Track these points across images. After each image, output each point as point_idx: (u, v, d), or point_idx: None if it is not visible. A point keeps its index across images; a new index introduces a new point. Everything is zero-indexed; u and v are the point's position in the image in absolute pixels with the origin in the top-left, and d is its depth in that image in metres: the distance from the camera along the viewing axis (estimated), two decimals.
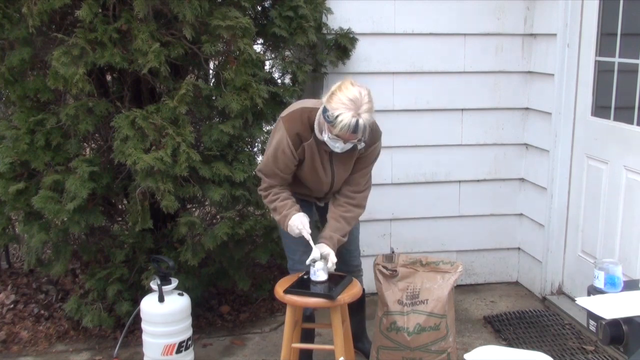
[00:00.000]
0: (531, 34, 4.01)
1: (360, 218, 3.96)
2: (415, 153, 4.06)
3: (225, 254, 3.54)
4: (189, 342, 3.16)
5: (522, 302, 4.11)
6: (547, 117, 3.90)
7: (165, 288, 3.07)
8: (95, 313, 3.46)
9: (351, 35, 3.76)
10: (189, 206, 3.92)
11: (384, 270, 3.07)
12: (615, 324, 2.14)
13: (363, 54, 3.85)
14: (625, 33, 3.42)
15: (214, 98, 3.32)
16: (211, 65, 3.69)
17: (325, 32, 3.74)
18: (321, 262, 2.83)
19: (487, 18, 3.96)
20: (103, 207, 3.56)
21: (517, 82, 4.08)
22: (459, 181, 4.18)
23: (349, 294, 2.82)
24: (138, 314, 3.16)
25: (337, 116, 2.58)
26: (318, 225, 3.25)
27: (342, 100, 2.59)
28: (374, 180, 4.02)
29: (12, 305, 3.89)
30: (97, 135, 3.59)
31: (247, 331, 3.75)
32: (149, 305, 3.09)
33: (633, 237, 3.36)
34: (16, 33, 3.05)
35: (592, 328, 2.22)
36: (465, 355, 2.31)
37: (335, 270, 3.11)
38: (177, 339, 3.09)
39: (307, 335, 3.17)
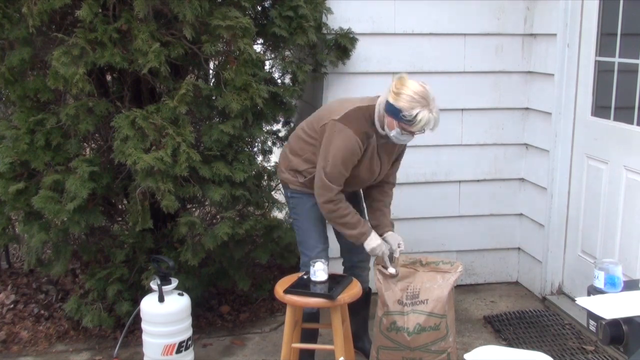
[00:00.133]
0: (531, 34, 4.01)
1: None
2: (415, 153, 4.05)
3: (226, 254, 3.54)
4: (189, 342, 3.16)
5: (522, 302, 4.11)
6: (547, 117, 3.90)
7: (165, 288, 3.07)
8: (95, 313, 3.46)
9: (351, 35, 3.76)
10: (189, 206, 3.92)
11: (384, 271, 3.07)
12: (615, 324, 2.14)
13: (363, 54, 3.85)
14: (625, 33, 3.42)
15: (214, 98, 3.32)
16: (211, 65, 3.69)
17: (325, 32, 3.74)
18: (321, 262, 2.83)
19: (487, 18, 3.96)
20: (103, 207, 3.56)
21: (517, 82, 4.08)
22: (459, 181, 4.18)
23: (349, 294, 2.82)
24: (138, 314, 3.16)
25: (415, 115, 2.70)
26: None
27: (414, 98, 2.71)
28: None
29: (12, 305, 3.89)
30: (97, 135, 3.59)
31: (247, 331, 3.75)
32: (149, 305, 3.09)
33: (633, 237, 3.36)
34: (16, 33, 3.05)
35: (592, 328, 2.22)
36: (465, 355, 2.31)
37: (346, 265, 3.17)
38: (177, 339, 3.09)
39: (311, 335, 3.17)
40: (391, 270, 3.00)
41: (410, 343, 2.98)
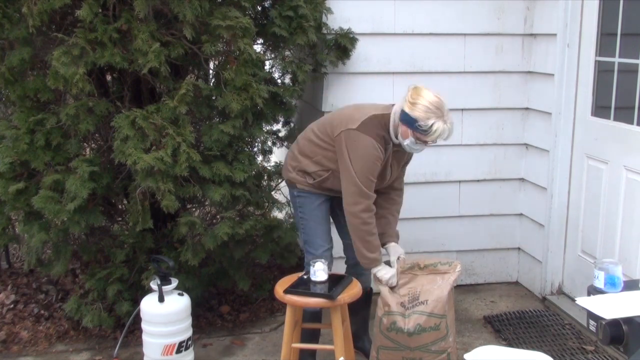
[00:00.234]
0: (531, 34, 4.01)
1: None
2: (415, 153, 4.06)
3: (226, 254, 3.54)
4: (189, 342, 3.16)
5: (522, 302, 4.11)
6: (547, 117, 3.90)
7: (165, 288, 3.07)
8: (95, 313, 3.46)
9: (351, 35, 3.76)
10: (189, 206, 3.92)
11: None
12: (615, 324, 2.14)
13: (363, 54, 3.85)
14: (625, 33, 3.42)
15: (214, 98, 3.32)
16: (211, 65, 3.69)
17: (325, 32, 3.74)
18: (321, 262, 2.83)
19: (487, 18, 3.96)
20: (103, 207, 3.56)
21: (517, 82, 4.08)
22: (459, 181, 4.18)
23: (349, 294, 2.82)
24: (138, 314, 3.16)
25: (431, 125, 2.74)
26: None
27: (430, 108, 2.75)
28: None
29: (12, 305, 3.89)
30: (97, 135, 3.59)
31: (247, 331, 3.75)
32: (149, 305, 3.09)
33: (633, 237, 3.36)
34: (16, 33, 3.05)
35: (592, 328, 2.22)
36: (465, 355, 2.31)
37: (349, 263, 3.18)
38: (177, 339, 3.09)
39: (313, 335, 3.18)
40: (392, 282, 3.02)
41: (410, 343, 2.98)
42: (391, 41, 3.89)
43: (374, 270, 2.99)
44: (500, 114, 4.12)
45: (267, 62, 3.74)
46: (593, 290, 2.37)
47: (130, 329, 3.50)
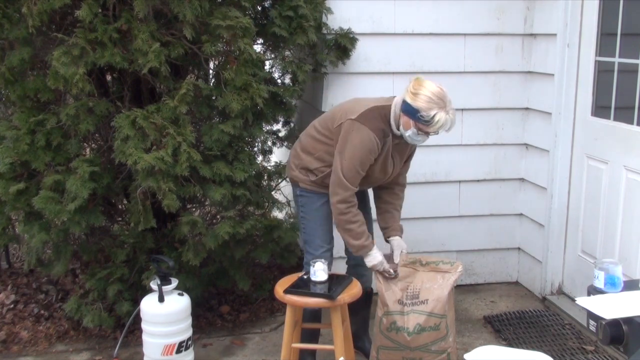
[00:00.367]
0: (531, 34, 4.01)
1: None
2: (415, 153, 4.05)
3: (226, 253, 3.54)
4: (189, 342, 3.16)
5: (522, 302, 4.11)
6: (547, 117, 3.90)
7: (165, 288, 3.07)
8: (95, 313, 3.46)
9: (351, 35, 3.76)
10: (189, 206, 3.92)
11: (385, 275, 3.07)
12: (615, 324, 2.14)
13: (363, 54, 3.85)
14: (625, 33, 3.42)
15: (214, 98, 3.32)
16: (211, 65, 3.69)
17: (325, 32, 3.74)
18: (321, 262, 2.83)
19: (487, 18, 3.96)
20: (103, 207, 3.56)
21: (517, 82, 4.08)
22: (459, 181, 4.18)
23: (349, 294, 2.82)
24: (138, 314, 3.16)
25: (433, 116, 2.73)
26: None
27: (432, 98, 2.74)
28: None
29: (12, 305, 3.89)
30: (97, 135, 3.59)
31: (247, 331, 3.75)
32: (149, 305, 3.09)
33: (633, 237, 3.36)
34: (16, 33, 3.05)
35: (592, 328, 2.22)
36: (465, 355, 2.31)
37: (350, 263, 3.17)
38: (177, 339, 3.09)
39: (312, 335, 3.18)
40: (391, 272, 3.01)
41: (410, 343, 2.98)
42: (391, 41, 3.89)
43: (365, 259, 2.99)
44: (500, 114, 4.12)
45: (267, 62, 3.74)
46: (593, 290, 2.37)
47: (130, 329, 3.50)
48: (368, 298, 3.29)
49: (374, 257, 2.96)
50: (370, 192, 3.29)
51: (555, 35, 3.75)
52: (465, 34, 3.96)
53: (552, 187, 3.90)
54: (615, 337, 2.14)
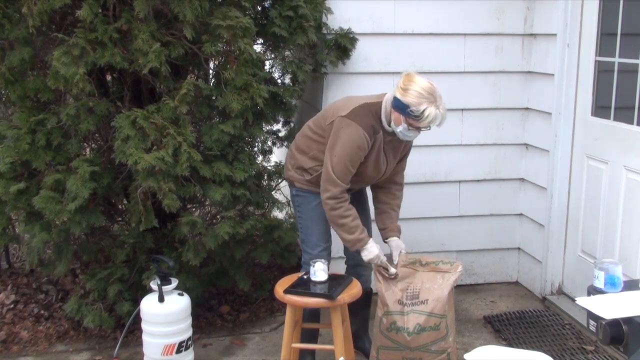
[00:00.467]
0: (531, 34, 4.01)
1: None
2: (415, 153, 4.02)
3: (226, 253, 3.54)
4: (189, 342, 3.16)
5: (522, 302, 4.11)
6: (547, 117, 3.90)
7: (165, 288, 3.07)
8: (95, 313, 3.46)
9: (351, 35, 3.76)
10: (189, 206, 3.92)
11: (384, 272, 3.07)
12: (615, 324, 2.14)
13: (363, 54, 3.85)
14: (625, 33, 3.43)
15: (214, 98, 3.32)
16: (211, 65, 3.69)
17: (325, 32, 3.74)
18: (321, 262, 2.83)
19: (487, 18, 3.96)
20: (103, 207, 3.56)
21: (517, 82, 4.08)
22: (459, 181, 4.18)
23: (349, 294, 2.82)
24: (138, 314, 3.16)
25: (423, 111, 2.72)
26: None
27: (421, 94, 2.74)
28: None
29: (12, 305, 3.89)
30: (97, 135, 3.59)
31: (247, 331, 3.75)
32: (149, 305, 3.09)
33: (633, 237, 3.36)
34: (16, 33, 3.05)
35: (592, 328, 2.22)
36: (465, 355, 2.31)
37: (349, 263, 3.16)
38: (177, 339, 3.09)
39: (311, 335, 3.18)
40: (392, 270, 3.01)
41: (410, 343, 2.98)
42: (391, 41, 3.89)
43: (362, 253, 2.98)
44: (500, 114, 4.12)
45: (267, 62, 3.75)
46: (593, 290, 2.37)
47: (130, 329, 3.50)
48: (368, 298, 3.29)
49: (370, 251, 2.95)
50: (369, 192, 3.29)
51: (555, 35, 3.75)
52: (465, 34, 3.96)
53: (552, 187, 3.91)
54: (615, 337, 2.14)
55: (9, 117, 3.47)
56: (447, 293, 3.00)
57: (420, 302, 3.00)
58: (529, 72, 4.06)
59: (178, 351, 3.09)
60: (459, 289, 4.19)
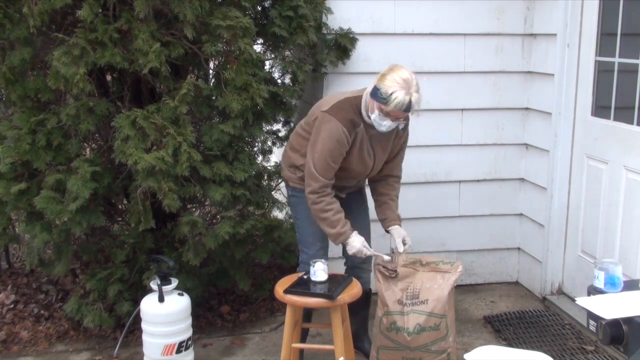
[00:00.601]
0: (531, 34, 4.01)
1: None
2: (415, 153, 4.05)
3: (226, 253, 3.54)
4: (189, 342, 3.16)
5: (522, 302, 4.11)
6: (547, 117, 3.90)
7: (165, 288, 3.07)
8: (96, 313, 3.46)
9: (351, 35, 3.76)
10: (189, 206, 3.92)
11: (384, 271, 3.07)
12: (615, 324, 2.14)
13: (363, 54, 3.85)
14: (625, 33, 3.43)
15: (214, 98, 3.32)
16: (211, 65, 3.69)
17: (325, 32, 3.74)
18: (321, 262, 2.84)
19: (487, 18, 3.96)
20: (103, 207, 3.56)
21: (517, 82, 4.08)
22: (459, 181, 4.18)
23: (349, 294, 2.82)
24: (138, 314, 3.16)
25: (391, 94, 2.71)
26: None
27: (396, 80, 2.73)
28: None
29: (12, 305, 3.89)
30: (97, 135, 3.59)
31: (247, 331, 3.75)
32: (149, 305, 3.09)
33: (633, 237, 3.36)
34: (17, 33, 3.05)
35: (592, 328, 2.22)
36: (465, 355, 2.31)
37: (348, 264, 3.17)
38: (177, 339, 3.09)
39: (302, 335, 3.17)
40: (385, 258, 2.98)
41: (410, 343, 2.98)
42: (391, 41, 3.89)
43: (347, 248, 2.96)
44: (500, 114, 4.12)
45: (267, 62, 3.75)
46: (593, 290, 2.37)
47: (130, 329, 3.50)
48: (367, 298, 3.29)
49: (353, 245, 2.93)
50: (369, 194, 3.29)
51: (555, 35, 3.75)
52: (465, 34, 3.96)
53: (552, 187, 3.91)
54: (615, 337, 2.14)
55: (9, 117, 3.47)
56: (447, 293, 3.00)
57: (420, 302, 3.00)
58: (529, 72, 4.06)
59: (178, 351, 3.09)
60: (459, 289, 4.19)
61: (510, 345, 3.52)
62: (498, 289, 4.31)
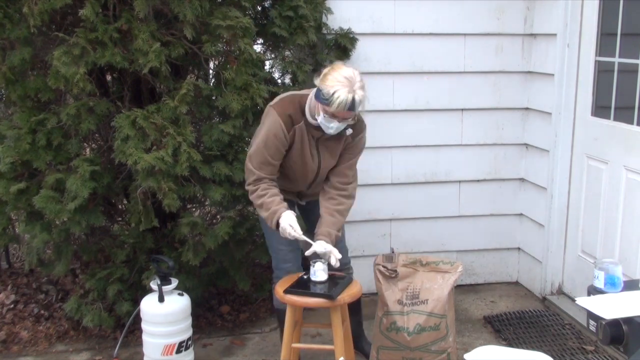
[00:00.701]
0: (531, 34, 4.01)
1: (360, 218, 3.99)
2: (415, 153, 4.06)
3: (226, 253, 3.54)
4: (189, 342, 3.16)
5: (522, 302, 4.11)
6: (547, 117, 3.90)
7: (165, 288, 3.07)
8: (95, 313, 3.46)
9: (351, 35, 3.76)
10: (189, 206, 3.92)
11: (384, 271, 3.07)
12: (615, 324, 2.14)
13: (363, 54, 3.85)
14: (625, 33, 3.43)
15: (214, 98, 3.32)
16: (211, 65, 3.69)
17: (325, 32, 3.74)
18: (321, 262, 2.83)
19: (487, 18, 3.96)
20: (103, 207, 3.56)
21: (517, 82, 4.08)
22: (459, 181, 4.18)
23: (349, 294, 2.82)
24: (138, 314, 3.16)
25: (333, 93, 2.60)
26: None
27: (337, 79, 2.63)
28: (374, 180, 4.04)
29: (12, 305, 3.89)
30: (97, 135, 3.59)
31: (247, 331, 3.75)
32: (149, 305, 3.09)
33: (633, 237, 3.36)
34: (17, 33, 3.05)
35: (592, 328, 2.22)
36: (465, 355, 2.31)
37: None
38: (177, 339, 3.09)
39: None
40: (301, 237, 2.80)
41: (410, 343, 2.99)
42: (391, 41, 3.89)
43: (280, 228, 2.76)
44: (500, 114, 4.12)
45: (267, 62, 3.75)
46: (593, 290, 2.37)
47: (130, 329, 3.50)
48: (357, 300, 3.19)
49: (281, 224, 2.74)
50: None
51: (555, 35, 3.75)
52: (465, 34, 3.96)
53: (552, 187, 3.91)
54: (615, 337, 2.14)
55: (9, 117, 3.47)
56: (447, 293, 3.01)
57: (420, 302, 3.00)
58: (529, 72, 4.06)
59: (178, 351, 3.09)
60: (459, 289, 4.19)
61: (510, 345, 3.52)
62: (498, 289, 4.31)
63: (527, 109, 4.13)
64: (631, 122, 3.38)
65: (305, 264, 2.91)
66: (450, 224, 4.22)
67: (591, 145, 3.68)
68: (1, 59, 3.16)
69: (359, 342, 3.34)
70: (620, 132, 3.45)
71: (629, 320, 2.13)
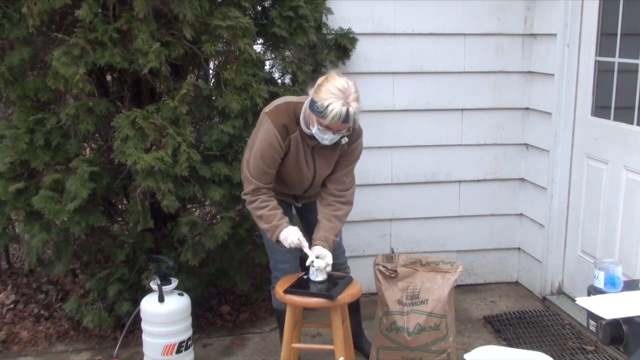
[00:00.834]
0: (531, 34, 4.01)
1: (360, 218, 3.99)
2: (415, 153, 4.06)
3: (226, 253, 3.54)
4: (189, 342, 3.16)
5: (522, 302, 4.11)
6: (547, 117, 3.90)
7: (165, 288, 3.07)
8: (95, 313, 3.46)
9: (351, 35, 3.76)
10: (189, 206, 3.92)
11: (384, 270, 3.07)
12: (615, 324, 2.14)
13: (363, 54, 3.85)
14: (625, 33, 3.42)
15: (214, 98, 3.32)
16: (211, 65, 3.69)
17: (325, 32, 3.74)
18: (321, 262, 2.83)
19: (487, 18, 3.96)
20: (103, 207, 3.56)
21: (517, 82, 4.08)
22: (459, 181, 4.18)
23: (349, 294, 2.82)
24: (138, 314, 3.16)
25: (327, 106, 2.58)
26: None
27: (331, 91, 2.60)
28: (374, 180, 4.05)
29: (12, 305, 3.89)
30: (97, 135, 3.59)
31: (247, 331, 3.75)
32: (149, 305, 3.09)
33: (633, 237, 3.36)
34: (16, 33, 3.05)
35: (592, 328, 2.22)
36: (465, 355, 2.31)
37: None
38: (177, 339, 3.09)
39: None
40: (305, 246, 2.80)
41: (410, 343, 2.99)
42: (391, 41, 3.89)
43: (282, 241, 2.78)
44: (500, 114, 4.12)
45: (267, 62, 3.75)
46: (593, 290, 2.37)
47: (130, 329, 3.50)
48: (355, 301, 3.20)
49: (284, 231, 2.77)
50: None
51: (555, 35, 3.75)
52: (465, 34, 3.96)
53: (552, 187, 3.91)
54: (615, 337, 2.14)
55: (8, 117, 3.47)
56: (447, 293, 3.01)
57: (420, 302, 3.00)
58: (529, 72, 4.06)
59: (178, 351, 3.09)
60: (459, 289, 4.19)
61: (510, 345, 3.52)
62: (498, 289, 4.31)
63: (527, 109, 4.13)
64: (631, 122, 3.38)
65: (303, 264, 2.91)
66: (450, 224, 4.22)
67: (591, 145, 3.68)
68: (0, 59, 3.16)
69: (359, 342, 3.34)
70: (620, 132, 3.45)
71: (629, 320, 2.13)
